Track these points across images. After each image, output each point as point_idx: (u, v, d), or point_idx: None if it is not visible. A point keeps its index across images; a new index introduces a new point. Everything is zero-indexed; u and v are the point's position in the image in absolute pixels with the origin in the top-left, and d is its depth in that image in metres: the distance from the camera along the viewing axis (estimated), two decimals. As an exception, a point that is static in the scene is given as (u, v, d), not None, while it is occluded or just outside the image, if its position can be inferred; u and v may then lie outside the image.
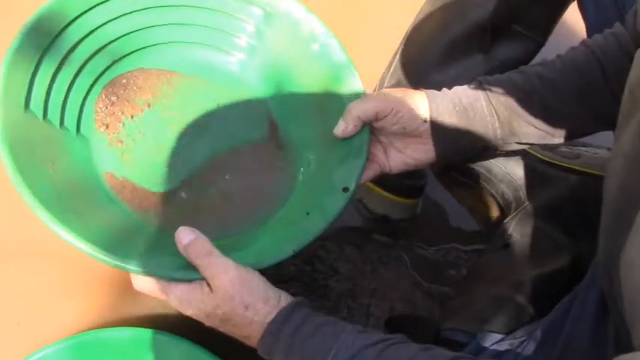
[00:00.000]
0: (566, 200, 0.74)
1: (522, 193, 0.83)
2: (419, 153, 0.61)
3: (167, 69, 0.63)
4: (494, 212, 0.87)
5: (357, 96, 0.61)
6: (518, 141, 0.63)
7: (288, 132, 0.64)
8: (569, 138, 0.63)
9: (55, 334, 0.62)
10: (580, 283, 0.60)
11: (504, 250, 0.74)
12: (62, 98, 0.55)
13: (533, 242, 0.73)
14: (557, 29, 0.76)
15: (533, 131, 0.61)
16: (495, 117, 0.59)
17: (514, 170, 0.84)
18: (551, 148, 0.82)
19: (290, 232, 0.55)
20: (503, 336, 0.60)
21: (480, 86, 0.60)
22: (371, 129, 0.59)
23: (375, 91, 0.82)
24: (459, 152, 0.61)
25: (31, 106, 0.52)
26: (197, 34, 0.64)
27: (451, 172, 0.91)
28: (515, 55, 0.75)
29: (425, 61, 0.80)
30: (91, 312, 0.65)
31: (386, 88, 0.81)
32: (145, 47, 0.62)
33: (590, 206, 0.58)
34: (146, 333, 0.60)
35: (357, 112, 0.57)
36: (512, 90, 0.59)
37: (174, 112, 0.62)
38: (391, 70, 0.84)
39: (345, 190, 0.56)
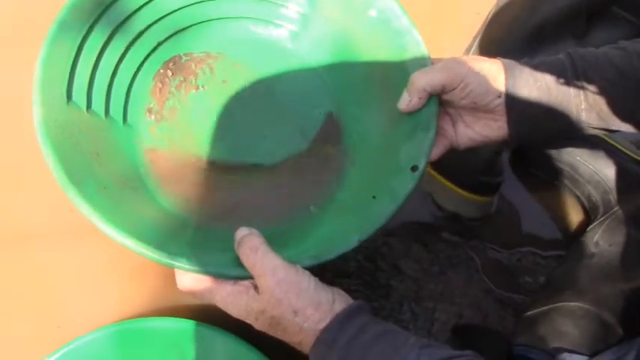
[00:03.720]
0: (665, 207, 0.66)
1: (612, 196, 0.74)
2: (489, 130, 0.54)
3: (217, 51, 0.60)
4: (578, 216, 0.80)
5: (421, 65, 0.55)
6: (605, 127, 0.54)
7: (348, 107, 0.59)
8: None
9: (98, 321, 0.59)
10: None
11: (590, 259, 0.66)
12: (107, 85, 0.53)
13: (624, 252, 0.65)
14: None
15: (628, 120, 0.53)
16: (582, 97, 0.51)
17: (603, 170, 0.76)
18: (648, 145, 0.74)
19: (354, 220, 0.50)
20: (587, 358, 0.52)
21: (570, 59, 0.52)
22: (439, 100, 0.54)
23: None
24: (536, 133, 0.54)
25: (74, 97, 0.50)
26: (246, 8, 0.60)
27: (531, 168, 0.84)
28: (614, 40, 0.66)
29: (508, 45, 0.73)
30: (135, 299, 0.62)
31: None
32: (192, 25, 0.58)
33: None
34: (191, 325, 0.58)
35: (421, 83, 0.51)
36: (607, 68, 0.51)
37: (224, 94, 0.58)
38: (471, 53, 0.77)
39: (414, 168, 0.51)
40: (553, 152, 0.79)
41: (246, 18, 0.60)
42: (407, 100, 0.53)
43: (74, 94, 0.50)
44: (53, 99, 0.48)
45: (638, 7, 0.66)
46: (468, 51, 0.78)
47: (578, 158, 0.78)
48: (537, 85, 0.51)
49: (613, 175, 0.75)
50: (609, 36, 0.67)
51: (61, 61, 0.49)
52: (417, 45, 0.56)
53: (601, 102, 0.52)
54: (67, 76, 0.49)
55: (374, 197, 0.51)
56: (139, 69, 0.56)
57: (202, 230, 0.51)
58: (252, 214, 0.54)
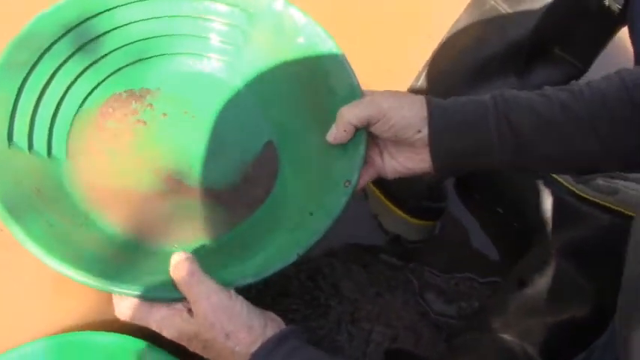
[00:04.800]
0: (595, 241, 0.68)
1: (549, 227, 0.77)
2: (412, 162, 0.57)
3: (155, 87, 0.63)
4: (517, 242, 0.82)
5: (351, 91, 0.58)
6: (523, 167, 0.57)
7: (285, 133, 0.62)
8: (586, 174, 0.57)
9: (36, 332, 0.59)
10: (598, 340, 0.55)
11: (520, 289, 0.69)
12: (48, 124, 0.54)
13: (552, 283, 0.68)
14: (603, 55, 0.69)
15: (545, 162, 0.55)
16: (504, 139, 0.53)
17: (544, 201, 0.79)
18: (586, 179, 0.76)
19: (294, 236, 0.53)
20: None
21: (493, 101, 0.54)
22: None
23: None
24: (458, 166, 0.56)
25: (15, 139, 0.51)
26: (180, 43, 0.63)
27: (475, 195, 0.86)
28: (553, 80, 0.69)
29: (454, 77, 0.75)
30: (67, 313, 0.63)
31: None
32: (130, 64, 0.61)
33: (621, 252, 0.53)
34: (127, 340, 0.58)
35: (348, 117, 0.54)
36: (528, 114, 0.53)
37: (164, 126, 0.61)
38: (419, 83, 0.79)
39: (347, 183, 0.54)
40: (497, 180, 0.82)
41: (182, 54, 0.63)
42: (334, 133, 0.55)
43: (15, 136, 0.51)
44: None
45: (578, 50, 0.69)
46: (417, 78, 0.80)
47: (521, 187, 0.81)
48: (459, 125, 0.53)
49: (550, 206, 0.77)
50: (550, 76, 0.70)
51: (1, 104, 0.50)
52: (343, 70, 0.58)
53: (518, 144, 0.53)
54: (8, 119, 0.51)
55: (311, 214, 0.54)
56: (80, 106, 0.58)
57: (143, 253, 0.53)
58: (192, 234, 0.56)
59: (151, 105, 0.61)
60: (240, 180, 0.60)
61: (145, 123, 0.60)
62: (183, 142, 0.60)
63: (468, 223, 0.83)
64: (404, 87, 0.83)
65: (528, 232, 0.79)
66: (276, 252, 0.51)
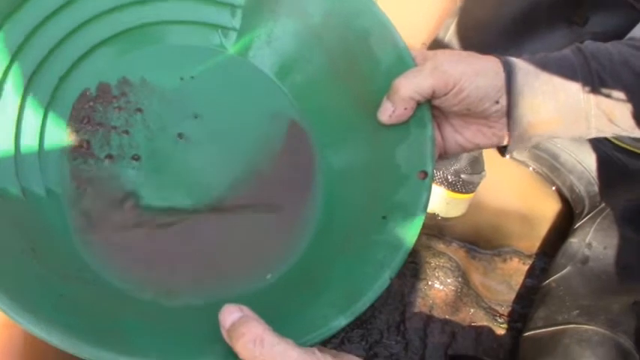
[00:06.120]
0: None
1: (597, 188, 0.70)
2: (482, 137, 0.47)
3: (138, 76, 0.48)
4: (560, 208, 0.75)
5: (398, 57, 0.46)
6: (616, 133, 0.48)
7: (312, 112, 0.50)
8: None
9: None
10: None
11: (583, 263, 0.62)
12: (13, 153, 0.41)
13: (619, 256, 0.61)
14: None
15: None
16: (594, 102, 0.45)
17: (586, 159, 0.71)
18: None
19: (373, 252, 0.41)
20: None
21: (580, 58, 0.45)
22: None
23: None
24: (537, 139, 0.48)
25: None
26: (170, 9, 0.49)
27: (506, 154, 0.78)
28: (614, 26, 0.60)
29: (492, 28, 0.64)
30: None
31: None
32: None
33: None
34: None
35: (407, 91, 0.43)
36: (623, 71, 0.44)
37: (155, 129, 0.47)
38: (447, 35, 0.68)
39: (422, 175, 0.43)
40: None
41: (170, 22, 0.49)
42: (389, 110, 0.44)
43: None
44: None
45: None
46: (444, 31, 0.69)
47: (559, 145, 0.73)
48: (542, 89, 0.44)
49: (595, 164, 0.70)
50: (609, 22, 0.60)
51: None
52: (386, 30, 0.47)
53: (615, 108, 0.45)
54: None
55: (384, 218, 0.42)
56: (44, 120, 0.43)
57: (172, 312, 0.40)
58: (232, 275, 0.43)
59: (139, 109, 0.47)
60: (266, 179, 0.47)
61: (128, 133, 0.46)
62: (181, 152, 0.47)
63: (503, 189, 0.75)
64: (418, 41, 0.72)
65: (573, 194, 0.72)
66: (359, 276, 0.40)
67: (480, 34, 0.65)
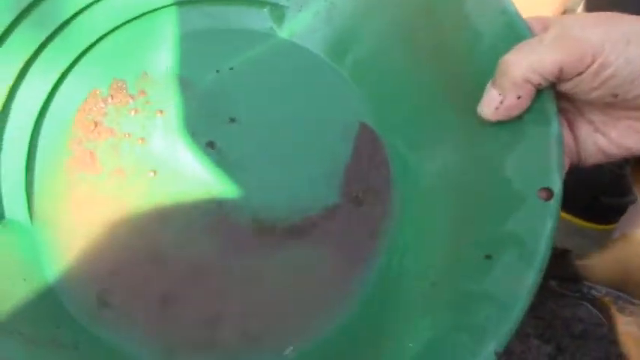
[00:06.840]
0: None
1: None
2: (635, 138, 0.36)
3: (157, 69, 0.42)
4: None
5: (508, 25, 0.36)
6: None
7: (385, 108, 0.41)
8: None
9: None
10: None
11: None
12: None
13: None
14: None
15: None
16: None
17: None
18: None
19: (464, 312, 0.32)
20: None
21: None
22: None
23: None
24: None
25: None
26: None
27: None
28: None
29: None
30: None
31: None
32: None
33: None
34: None
35: (521, 70, 0.33)
36: None
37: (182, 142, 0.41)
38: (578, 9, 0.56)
39: (546, 194, 0.32)
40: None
41: (202, 1, 0.42)
42: (496, 101, 0.34)
43: None
44: None
45: None
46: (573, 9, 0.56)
47: None
48: None
49: None
50: None
51: None
52: None
53: None
54: None
55: (488, 257, 0.33)
56: (34, 130, 0.38)
57: None
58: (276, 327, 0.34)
59: (161, 111, 0.41)
60: (328, 211, 0.38)
61: (143, 140, 0.40)
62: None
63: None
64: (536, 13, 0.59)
65: None
66: (448, 348, 0.31)
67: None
